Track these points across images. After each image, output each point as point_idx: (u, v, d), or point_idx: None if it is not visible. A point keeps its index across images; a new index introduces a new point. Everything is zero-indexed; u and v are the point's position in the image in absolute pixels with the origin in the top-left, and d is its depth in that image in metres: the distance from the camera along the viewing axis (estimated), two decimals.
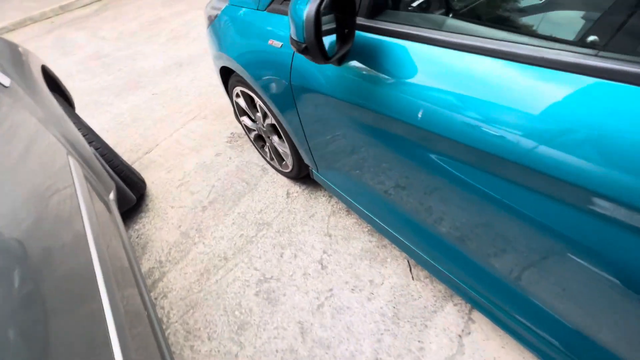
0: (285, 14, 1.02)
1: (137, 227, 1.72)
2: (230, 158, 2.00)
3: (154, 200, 1.84)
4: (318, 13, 0.62)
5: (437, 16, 0.73)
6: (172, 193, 1.86)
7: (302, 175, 1.63)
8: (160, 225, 1.70)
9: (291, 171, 1.62)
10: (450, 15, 0.74)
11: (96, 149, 1.44)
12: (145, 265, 1.54)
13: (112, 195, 1.30)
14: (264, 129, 1.59)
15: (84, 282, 0.69)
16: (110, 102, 2.77)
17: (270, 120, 1.45)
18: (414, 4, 0.75)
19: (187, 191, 1.85)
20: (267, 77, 1.15)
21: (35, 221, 0.68)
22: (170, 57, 3.27)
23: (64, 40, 4.31)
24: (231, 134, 2.18)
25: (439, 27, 0.68)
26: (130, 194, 1.60)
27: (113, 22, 4.54)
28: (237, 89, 1.53)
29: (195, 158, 2.05)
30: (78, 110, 2.67)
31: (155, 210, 1.78)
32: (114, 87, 2.98)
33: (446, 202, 0.78)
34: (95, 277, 0.72)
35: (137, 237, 1.67)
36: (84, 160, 1.18)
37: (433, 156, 0.71)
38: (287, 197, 1.70)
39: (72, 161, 1.07)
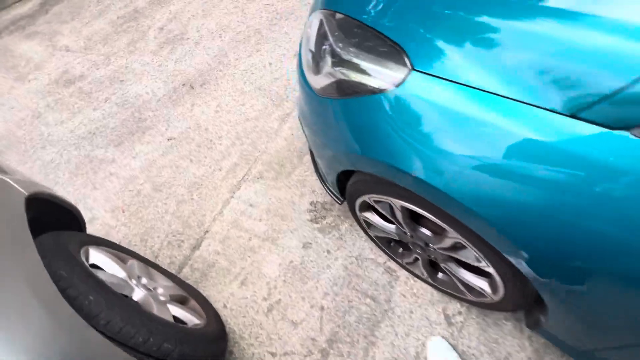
0: None
1: None
2: (328, 252, 1.39)
3: (239, 342, 1.24)
4: None
5: None
6: (262, 326, 1.26)
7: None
8: None
9: (498, 303, 0.96)
10: None
11: (159, 347, 0.80)
12: None
13: None
14: (428, 248, 0.99)
15: None
16: (112, 158, 2.01)
17: (475, 262, 0.85)
18: None
19: (284, 321, 1.26)
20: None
21: None
22: (171, 74, 2.44)
23: (11, 55, 3.29)
24: (311, 204, 1.55)
25: None
26: None
27: (72, 21, 3.50)
28: (392, 200, 0.90)
29: (274, 255, 1.43)
30: (66, 185, 1.92)
31: None
32: (108, 131, 2.19)
33: None
34: None
35: None
36: None
37: None
38: (449, 324, 1.15)
39: None
